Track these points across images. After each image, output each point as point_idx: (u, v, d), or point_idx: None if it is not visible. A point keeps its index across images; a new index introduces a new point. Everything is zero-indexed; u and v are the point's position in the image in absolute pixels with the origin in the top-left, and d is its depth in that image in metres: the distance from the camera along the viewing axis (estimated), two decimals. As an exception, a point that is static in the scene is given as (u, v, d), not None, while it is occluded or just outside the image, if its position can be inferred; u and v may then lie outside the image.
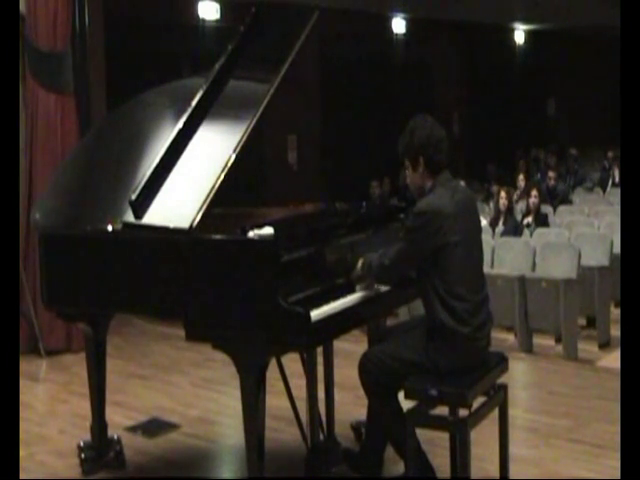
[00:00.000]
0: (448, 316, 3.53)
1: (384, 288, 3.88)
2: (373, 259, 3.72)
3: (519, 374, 6.14)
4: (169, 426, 5.08)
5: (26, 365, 6.32)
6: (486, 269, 3.95)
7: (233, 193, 3.84)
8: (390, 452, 3.86)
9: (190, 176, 3.89)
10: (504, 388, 3.81)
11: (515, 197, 10.08)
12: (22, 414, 4.66)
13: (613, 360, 6.10)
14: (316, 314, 3.33)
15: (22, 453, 4.36)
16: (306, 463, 4.04)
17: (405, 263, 3.67)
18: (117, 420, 4.97)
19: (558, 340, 6.57)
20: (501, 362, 3.84)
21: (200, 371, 6.26)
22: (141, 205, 3.80)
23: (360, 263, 3.77)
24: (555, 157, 14.86)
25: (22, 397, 5.04)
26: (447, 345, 3.56)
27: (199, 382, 6.05)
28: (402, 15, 14.63)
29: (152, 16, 10.56)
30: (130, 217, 3.80)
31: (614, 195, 10.85)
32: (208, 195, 3.62)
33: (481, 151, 14.78)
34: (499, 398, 3.78)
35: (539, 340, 6.63)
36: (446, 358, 3.56)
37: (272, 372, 3.67)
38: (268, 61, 4.18)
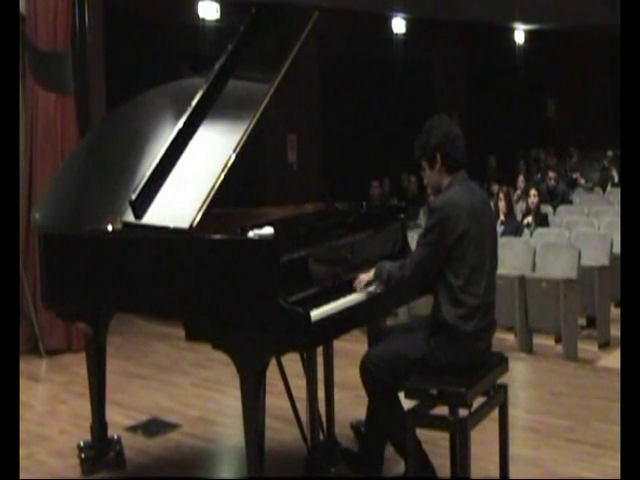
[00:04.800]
0: (453, 312, 3.53)
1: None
2: (392, 273, 3.65)
3: (519, 374, 6.14)
4: (169, 426, 5.08)
5: (26, 365, 6.31)
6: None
7: (233, 193, 3.84)
8: (390, 452, 3.86)
9: (190, 176, 3.89)
10: (504, 388, 3.81)
11: (515, 197, 10.08)
12: (22, 414, 4.67)
13: (613, 360, 6.10)
14: (316, 314, 3.33)
15: (22, 453, 4.35)
16: (306, 463, 4.04)
17: (426, 268, 3.62)
18: (117, 420, 4.97)
19: (558, 340, 6.57)
20: (501, 362, 3.84)
21: (200, 371, 6.26)
22: (141, 205, 3.80)
23: (372, 273, 3.73)
24: (555, 157, 14.86)
25: (22, 397, 5.04)
26: (448, 340, 3.57)
27: (199, 382, 6.05)
28: (402, 15, 14.64)
29: (152, 16, 10.56)
30: (130, 217, 3.80)
31: (614, 195, 10.85)
32: (208, 195, 3.62)
33: (481, 151, 14.77)
34: (499, 398, 3.78)
35: (539, 340, 6.63)
36: (446, 353, 3.56)
37: (272, 372, 3.67)
38: (268, 61, 4.18)
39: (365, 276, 3.74)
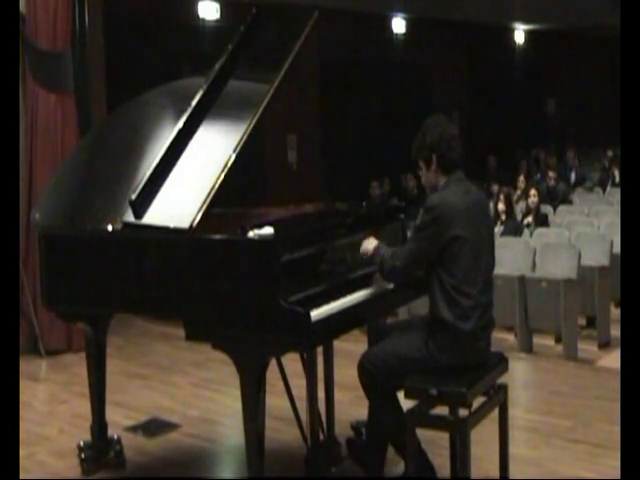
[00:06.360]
0: (450, 312, 3.53)
1: (388, 286, 3.88)
2: (385, 259, 3.70)
3: (519, 374, 6.14)
4: (169, 426, 5.08)
5: (26, 365, 6.32)
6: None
7: (233, 193, 3.84)
8: (390, 452, 3.86)
9: (190, 176, 3.89)
10: (504, 388, 3.81)
11: (515, 197, 10.08)
12: (22, 414, 4.66)
13: (613, 360, 6.10)
14: (316, 314, 3.33)
15: (22, 453, 4.36)
16: (306, 463, 4.04)
17: (417, 262, 3.65)
18: (117, 420, 4.97)
19: (558, 340, 6.58)
20: (501, 362, 3.84)
21: (200, 371, 6.26)
22: (141, 205, 3.80)
23: (372, 249, 3.77)
24: (555, 157, 14.86)
25: (22, 397, 5.04)
26: (447, 341, 3.56)
27: (199, 382, 6.05)
28: (402, 15, 14.63)
29: (152, 16, 10.56)
30: (130, 217, 3.80)
31: (614, 195, 10.85)
32: (208, 195, 3.62)
33: (481, 151, 14.79)
34: (499, 398, 3.78)
35: (539, 340, 6.63)
36: (446, 354, 3.56)
37: (272, 372, 3.67)
38: (268, 61, 4.19)
39: (369, 244, 3.80)
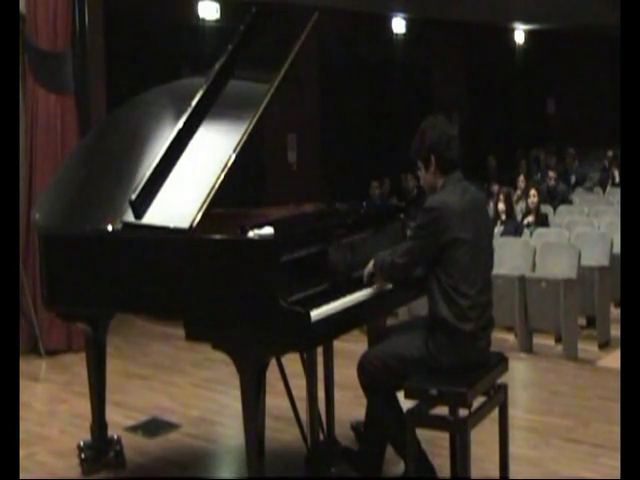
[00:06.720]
0: (450, 312, 3.53)
1: (388, 286, 3.88)
2: (384, 258, 3.72)
3: (519, 374, 6.14)
4: (169, 426, 5.08)
5: (26, 365, 6.31)
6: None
7: (233, 193, 3.84)
8: (390, 452, 3.85)
9: (190, 176, 3.89)
10: (504, 388, 3.81)
11: (515, 197, 10.08)
12: (22, 414, 4.66)
13: (613, 360, 6.10)
14: (316, 314, 3.32)
15: (22, 453, 4.35)
16: (306, 463, 4.05)
17: (415, 260, 3.67)
18: (117, 420, 4.97)
19: (558, 340, 6.58)
20: (501, 362, 3.84)
21: (200, 371, 6.26)
22: (141, 205, 3.80)
23: (372, 264, 3.79)
24: (555, 157, 14.87)
25: (22, 397, 5.04)
26: (447, 341, 3.56)
27: (199, 382, 6.05)
28: (402, 15, 14.64)
29: (152, 16, 10.56)
30: (130, 217, 3.80)
31: (614, 195, 10.85)
32: (208, 195, 3.62)
33: (481, 151, 14.79)
34: (499, 398, 3.78)
35: (539, 340, 6.63)
36: (446, 354, 3.56)
37: (272, 372, 3.67)
38: (268, 61, 4.19)
39: (367, 268, 3.79)
